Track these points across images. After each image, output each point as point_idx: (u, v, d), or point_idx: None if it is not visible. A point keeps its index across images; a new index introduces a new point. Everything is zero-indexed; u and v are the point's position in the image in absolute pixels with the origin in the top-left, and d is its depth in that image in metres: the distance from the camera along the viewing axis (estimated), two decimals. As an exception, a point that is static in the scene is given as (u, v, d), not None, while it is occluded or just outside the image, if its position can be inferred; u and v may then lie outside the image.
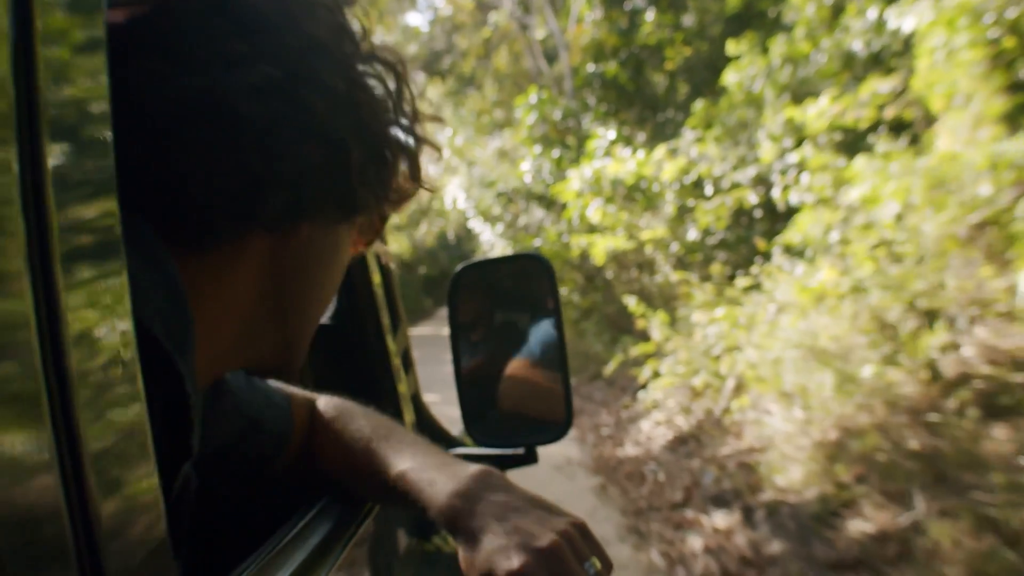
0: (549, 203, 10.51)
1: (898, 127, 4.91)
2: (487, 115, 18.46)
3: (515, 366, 1.01)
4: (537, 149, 10.00)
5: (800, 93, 6.38)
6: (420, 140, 0.63)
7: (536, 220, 11.67)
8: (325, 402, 0.86)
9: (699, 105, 7.58)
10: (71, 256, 0.32)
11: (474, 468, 0.69)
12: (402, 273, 25.01)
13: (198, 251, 0.52)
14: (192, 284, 0.50)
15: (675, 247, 7.19)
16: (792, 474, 3.58)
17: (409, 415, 1.15)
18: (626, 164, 7.28)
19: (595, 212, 7.34)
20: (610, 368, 6.37)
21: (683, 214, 7.17)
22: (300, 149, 0.52)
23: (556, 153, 9.75)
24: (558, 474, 4.81)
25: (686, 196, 7.07)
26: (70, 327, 0.31)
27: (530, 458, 1.02)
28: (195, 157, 0.49)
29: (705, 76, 9.55)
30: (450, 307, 0.99)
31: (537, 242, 10.40)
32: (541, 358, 0.99)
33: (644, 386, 5.71)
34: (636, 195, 7.33)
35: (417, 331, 16.85)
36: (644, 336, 6.28)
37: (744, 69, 6.78)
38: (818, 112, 4.99)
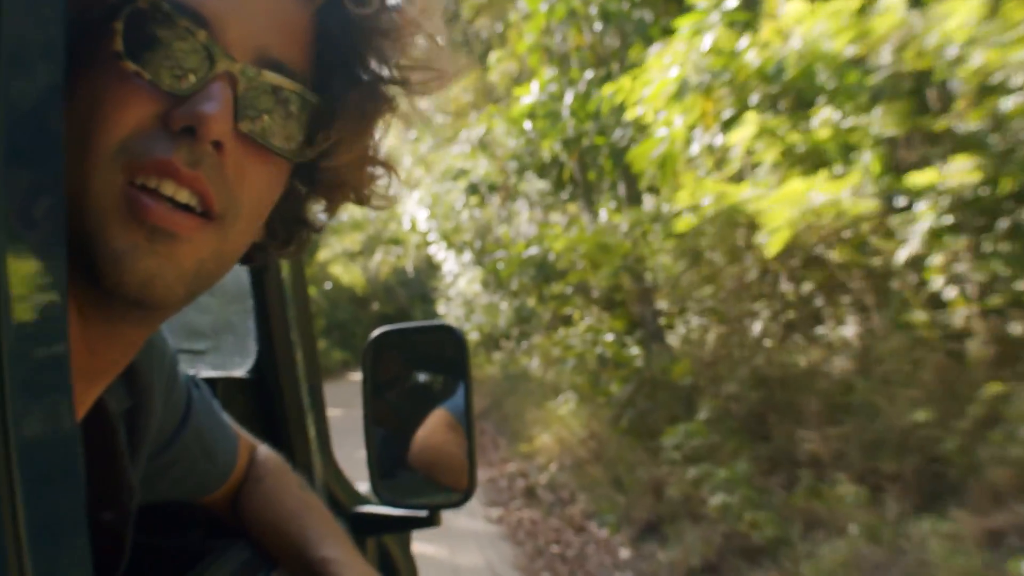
0: (559, 179, 5.97)
1: None
2: (461, 117, 13.96)
3: (425, 430, 1.01)
4: (550, 72, 5.47)
5: None
6: None
7: (523, 215, 7.27)
8: (264, 454, 0.89)
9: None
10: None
11: None
12: (353, 310, 21.92)
13: None
14: None
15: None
16: None
17: (319, 469, 1.15)
18: (809, 19, 2.81)
19: (745, 129, 2.87)
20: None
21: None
22: None
23: (588, 76, 5.23)
24: None
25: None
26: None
27: (432, 521, 1.06)
28: None
29: None
30: (364, 368, 1.01)
31: (533, 250, 5.86)
32: (450, 425, 0.99)
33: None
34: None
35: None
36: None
37: None
38: None
